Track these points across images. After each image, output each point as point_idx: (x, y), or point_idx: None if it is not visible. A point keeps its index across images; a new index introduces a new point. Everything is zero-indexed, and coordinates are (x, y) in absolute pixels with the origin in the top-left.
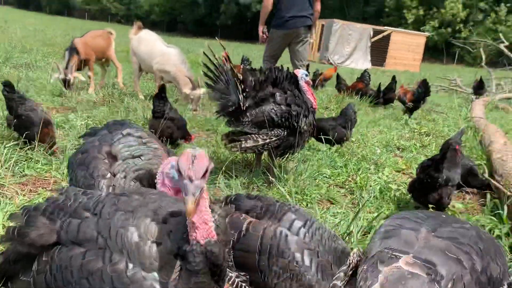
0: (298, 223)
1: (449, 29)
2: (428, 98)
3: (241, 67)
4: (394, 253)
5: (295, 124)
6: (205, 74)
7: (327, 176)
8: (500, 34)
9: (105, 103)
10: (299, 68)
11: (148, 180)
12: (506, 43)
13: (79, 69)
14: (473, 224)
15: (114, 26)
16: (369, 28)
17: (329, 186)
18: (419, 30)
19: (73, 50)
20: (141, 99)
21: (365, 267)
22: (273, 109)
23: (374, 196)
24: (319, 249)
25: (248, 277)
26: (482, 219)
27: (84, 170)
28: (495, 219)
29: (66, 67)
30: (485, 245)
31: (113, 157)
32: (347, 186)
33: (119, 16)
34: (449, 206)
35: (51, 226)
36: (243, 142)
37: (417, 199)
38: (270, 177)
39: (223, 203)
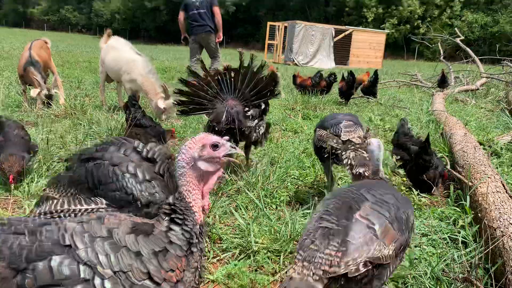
0: None
1: (408, 26)
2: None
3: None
4: None
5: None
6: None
7: (296, 177)
8: (456, 29)
9: (67, 115)
10: (217, 61)
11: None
12: (462, 37)
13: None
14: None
15: (75, 36)
16: (330, 28)
17: (298, 187)
18: (379, 28)
19: (37, 63)
20: (105, 110)
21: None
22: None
23: None
24: None
25: None
26: (446, 211)
27: (139, 178)
28: (459, 210)
29: (45, 82)
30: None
31: (152, 161)
32: (315, 186)
33: (80, 26)
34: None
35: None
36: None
37: (412, 179)
38: (238, 183)
39: None
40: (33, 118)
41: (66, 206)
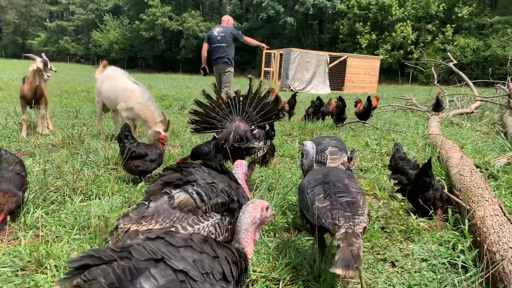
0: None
1: (401, 51)
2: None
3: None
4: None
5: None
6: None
7: (294, 204)
8: (449, 53)
9: (65, 145)
10: (225, 91)
11: None
12: (455, 61)
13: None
14: (437, 240)
15: (74, 66)
16: (325, 55)
17: (296, 213)
18: (373, 54)
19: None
20: (102, 139)
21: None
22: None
23: None
24: None
25: None
26: (445, 235)
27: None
28: (458, 234)
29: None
30: None
31: (224, 172)
32: None
33: (78, 56)
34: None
35: None
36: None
37: (412, 201)
38: None
39: None
40: (30, 149)
41: (189, 229)
